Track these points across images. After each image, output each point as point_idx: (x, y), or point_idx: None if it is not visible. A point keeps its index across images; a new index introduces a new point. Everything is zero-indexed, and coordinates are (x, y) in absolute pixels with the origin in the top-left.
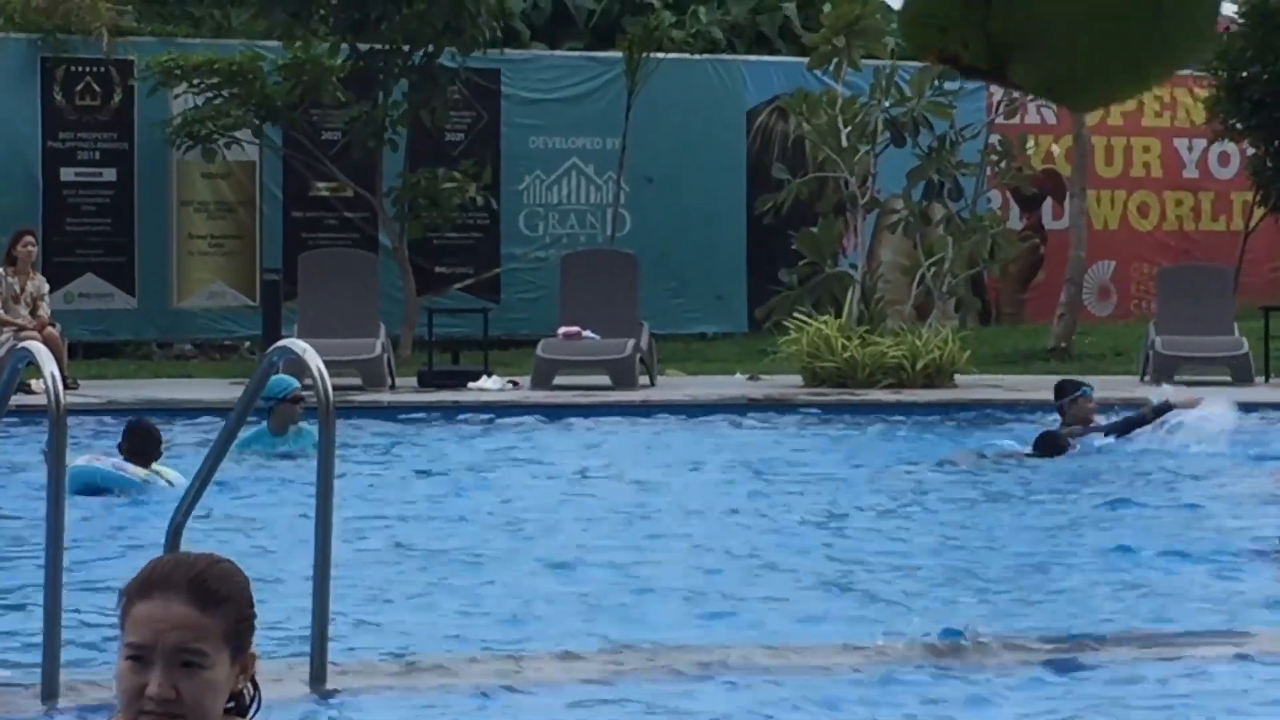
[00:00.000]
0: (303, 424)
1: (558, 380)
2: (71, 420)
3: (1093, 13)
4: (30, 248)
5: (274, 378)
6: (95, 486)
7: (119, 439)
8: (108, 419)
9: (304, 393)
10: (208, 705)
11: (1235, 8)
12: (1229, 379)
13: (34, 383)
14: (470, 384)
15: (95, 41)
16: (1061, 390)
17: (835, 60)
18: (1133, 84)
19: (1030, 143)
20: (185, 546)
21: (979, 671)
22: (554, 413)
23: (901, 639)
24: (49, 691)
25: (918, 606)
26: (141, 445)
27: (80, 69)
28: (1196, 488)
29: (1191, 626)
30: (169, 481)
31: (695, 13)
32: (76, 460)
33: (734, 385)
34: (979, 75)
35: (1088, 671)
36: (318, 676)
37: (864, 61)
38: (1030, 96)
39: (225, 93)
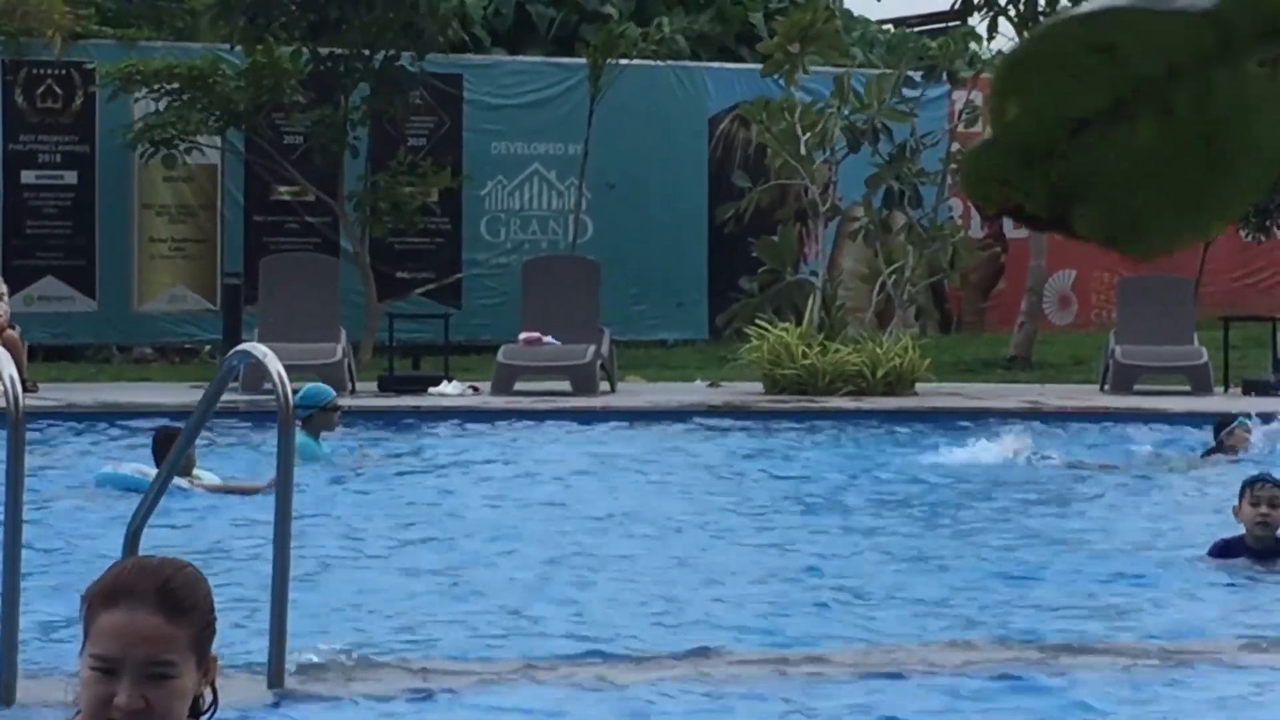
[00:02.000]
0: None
1: (518, 386)
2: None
3: (1151, 164)
4: None
5: (312, 386)
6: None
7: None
8: (69, 422)
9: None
10: (176, 712)
11: None
12: (1188, 389)
13: None
14: (431, 389)
15: (45, 44)
16: (1222, 425)
17: (788, 67)
18: (1194, 231)
19: None
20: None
21: (930, 679)
22: (514, 418)
23: (849, 646)
24: (5, 696)
25: (870, 613)
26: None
27: (41, 72)
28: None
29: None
30: (203, 486)
31: (659, 23)
32: (102, 468)
33: (694, 392)
34: (1041, 226)
35: (1026, 682)
36: (275, 679)
37: (821, 68)
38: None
39: (186, 97)
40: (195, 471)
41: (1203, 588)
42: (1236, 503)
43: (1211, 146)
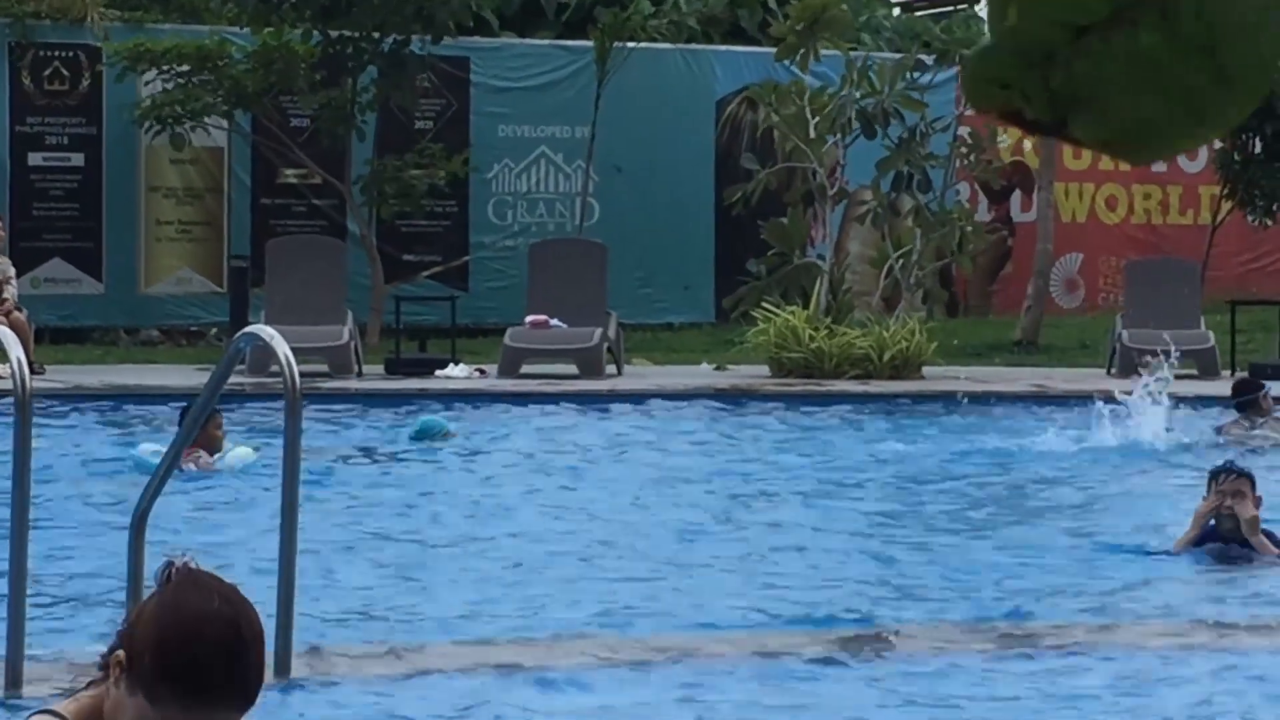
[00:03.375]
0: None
1: (525, 369)
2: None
3: (1150, 69)
4: None
5: (426, 420)
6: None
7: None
8: (76, 404)
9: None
10: None
11: None
12: (1195, 373)
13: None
14: (437, 372)
15: (86, 27)
16: (1248, 386)
17: (801, 51)
18: (1191, 138)
19: (1001, 136)
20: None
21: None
22: (521, 401)
23: (851, 626)
24: (12, 681)
25: (872, 596)
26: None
27: (48, 53)
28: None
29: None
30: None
31: (676, 3)
32: (135, 450)
33: (701, 375)
34: (1041, 130)
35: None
36: (281, 667)
37: (832, 52)
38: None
39: (195, 80)
40: (240, 450)
41: (1172, 577)
42: (1206, 494)
43: (1210, 53)
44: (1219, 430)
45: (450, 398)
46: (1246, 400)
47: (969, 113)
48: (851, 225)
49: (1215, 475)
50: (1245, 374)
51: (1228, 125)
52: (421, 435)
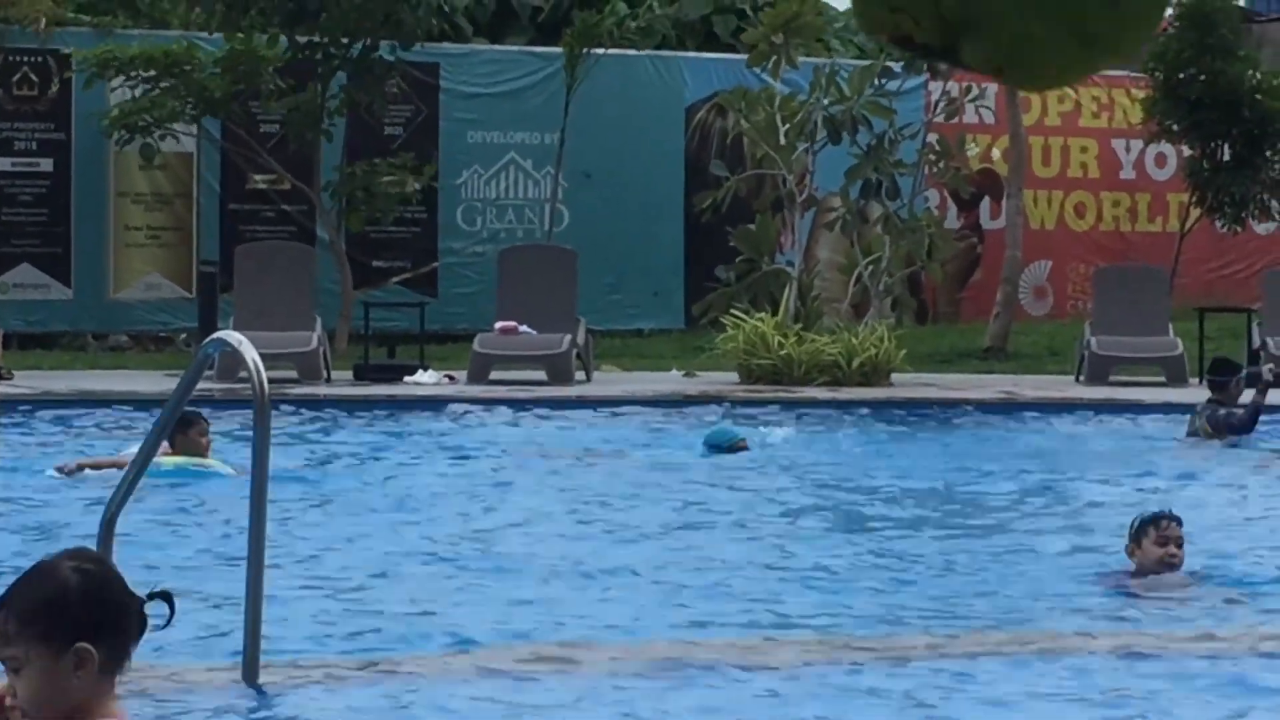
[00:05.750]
0: None
1: (494, 375)
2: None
3: None
4: None
5: (720, 429)
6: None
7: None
8: (43, 410)
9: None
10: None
11: (1171, 10)
12: (1163, 380)
13: None
14: (406, 378)
15: (33, 31)
16: (1224, 369)
17: (773, 58)
18: (1082, 66)
19: (970, 143)
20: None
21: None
22: (490, 407)
23: (821, 632)
24: None
25: (845, 600)
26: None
27: (18, 59)
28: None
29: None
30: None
31: (650, 5)
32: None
33: (670, 382)
34: (931, 55)
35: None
36: (250, 672)
37: (804, 59)
38: (978, 74)
39: (163, 85)
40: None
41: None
42: (1129, 543)
43: None
44: (1195, 415)
45: (419, 404)
46: (1219, 382)
47: (938, 119)
48: (821, 232)
49: (1155, 521)
50: (1224, 356)
51: (1120, 54)
52: (715, 444)
